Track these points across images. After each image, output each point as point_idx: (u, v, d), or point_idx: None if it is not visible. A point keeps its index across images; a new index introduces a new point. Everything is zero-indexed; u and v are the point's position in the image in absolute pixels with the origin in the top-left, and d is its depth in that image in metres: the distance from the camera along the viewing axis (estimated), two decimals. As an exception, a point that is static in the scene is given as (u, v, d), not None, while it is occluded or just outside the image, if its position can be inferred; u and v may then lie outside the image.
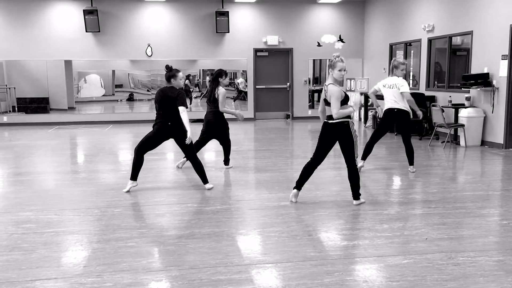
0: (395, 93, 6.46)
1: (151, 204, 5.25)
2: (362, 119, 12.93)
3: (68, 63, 13.82)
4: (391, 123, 6.70)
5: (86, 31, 12.85)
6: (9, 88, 13.64)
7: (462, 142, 8.95)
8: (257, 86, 14.25)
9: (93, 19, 12.71)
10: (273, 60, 14.15)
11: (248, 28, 13.81)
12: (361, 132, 11.51)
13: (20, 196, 5.46)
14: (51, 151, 9.00)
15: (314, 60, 14.88)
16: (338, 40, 13.98)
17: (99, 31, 12.91)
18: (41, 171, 7.21)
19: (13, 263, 3.54)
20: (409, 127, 6.56)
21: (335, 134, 4.81)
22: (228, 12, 13.25)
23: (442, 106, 8.85)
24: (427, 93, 10.59)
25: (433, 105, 9.10)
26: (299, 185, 5.08)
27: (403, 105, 6.43)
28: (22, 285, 3.17)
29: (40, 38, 13.01)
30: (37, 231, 4.29)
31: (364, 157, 6.67)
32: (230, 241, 4.01)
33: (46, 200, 5.30)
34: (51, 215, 4.71)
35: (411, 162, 6.65)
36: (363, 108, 12.90)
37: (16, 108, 13.56)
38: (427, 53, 10.83)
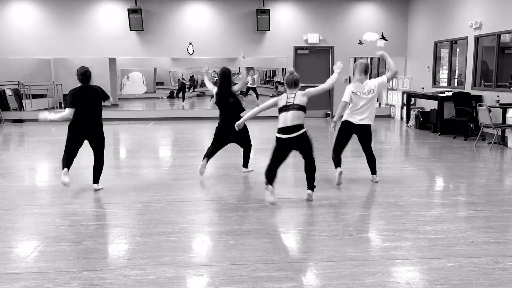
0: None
1: (192, 200, 5.32)
2: (404, 118, 12.66)
3: (112, 61, 14.19)
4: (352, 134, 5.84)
5: (130, 30, 13.15)
6: (56, 85, 14.15)
7: (510, 144, 8.63)
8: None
9: (137, 18, 12.99)
10: (314, 58, 14.05)
11: (289, 26, 13.77)
12: (403, 132, 11.28)
13: (67, 189, 5.64)
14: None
15: (355, 58, 14.66)
16: (381, 38, 13.68)
17: (142, 30, 13.18)
18: (85, 165, 7.40)
19: (61, 254, 3.67)
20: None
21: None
22: (269, 10, 13.26)
23: (489, 106, 8.56)
24: (473, 93, 10.27)
25: (480, 105, 8.80)
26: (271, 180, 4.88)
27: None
28: (70, 275, 3.28)
29: (86, 37, 13.40)
30: (83, 223, 4.43)
31: (339, 164, 5.69)
32: (270, 238, 4.02)
33: (91, 194, 5.46)
34: (96, 208, 4.85)
35: (374, 171, 5.91)
36: (405, 107, 12.63)
37: (63, 105, 14.04)
38: (474, 51, 10.49)
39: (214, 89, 6.28)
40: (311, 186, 5.08)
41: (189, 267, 3.42)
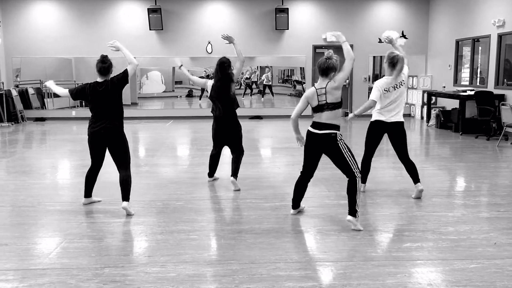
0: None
1: (211, 198, 5.35)
2: (425, 118, 12.51)
3: (132, 60, 14.31)
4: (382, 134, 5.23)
5: (150, 29, 13.25)
6: (78, 84, 14.34)
7: (533, 144, 8.46)
8: (315, 83, 14.13)
9: (157, 18, 13.08)
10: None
11: (308, 25, 13.71)
12: (423, 132, 11.16)
13: (88, 187, 5.70)
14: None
15: (374, 57, 14.58)
16: (401, 36, 13.51)
17: (162, 29, 13.27)
18: (106, 163, 7.48)
19: (83, 250, 3.72)
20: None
21: (321, 145, 4.19)
22: (287, 9, 13.22)
23: (512, 105, 8.41)
24: (496, 92, 10.09)
25: (503, 104, 8.65)
26: (296, 205, 4.61)
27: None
28: (92, 271, 3.32)
29: (106, 36, 13.50)
30: (105, 220, 4.49)
31: (364, 180, 5.37)
32: (289, 237, 4.01)
33: (112, 192, 5.50)
34: (117, 206, 4.89)
35: (417, 179, 5.15)
36: (425, 106, 12.48)
37: (84, 103, 14.21)
38: (497, 50, 10.31)
39: (208, 82, 5.70)
40: (352, 211, 4.14)
41: (209, 265, 3.43)
